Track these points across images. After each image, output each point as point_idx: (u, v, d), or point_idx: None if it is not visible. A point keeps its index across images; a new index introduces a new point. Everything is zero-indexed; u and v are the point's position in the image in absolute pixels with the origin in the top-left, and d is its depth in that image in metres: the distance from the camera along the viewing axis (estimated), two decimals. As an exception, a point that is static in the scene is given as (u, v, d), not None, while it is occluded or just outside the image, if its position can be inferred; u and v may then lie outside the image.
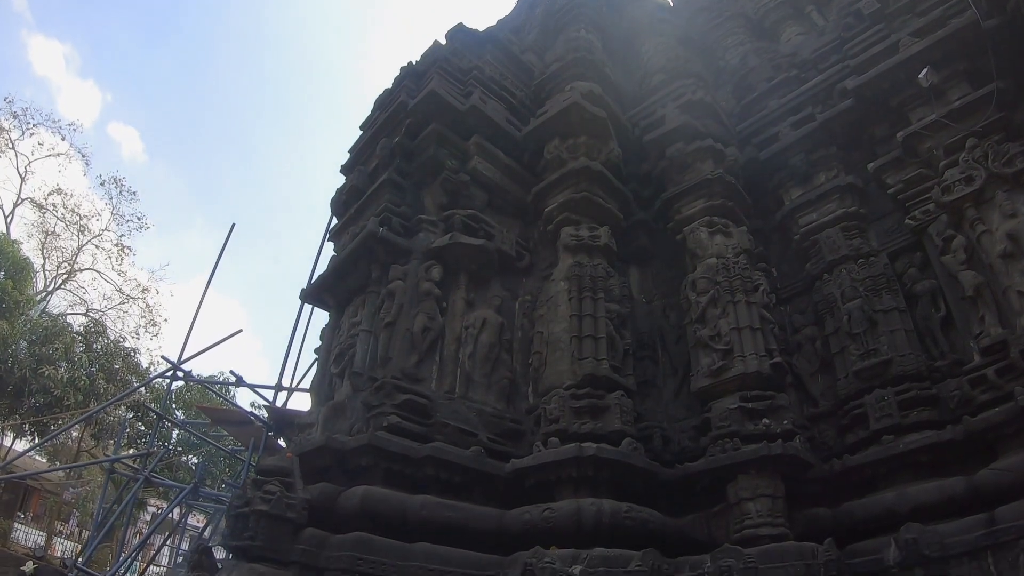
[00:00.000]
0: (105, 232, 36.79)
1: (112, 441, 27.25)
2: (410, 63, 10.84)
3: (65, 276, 35.66)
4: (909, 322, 8.05)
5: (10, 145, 34.47)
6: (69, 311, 34.10)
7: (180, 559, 25.07)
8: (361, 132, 11.16)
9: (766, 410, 7.54)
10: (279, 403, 14.47)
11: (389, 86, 10.97)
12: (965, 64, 8.50)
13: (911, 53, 8.72)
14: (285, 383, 14.34)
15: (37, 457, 29.98)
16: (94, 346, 28.93)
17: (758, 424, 7.41)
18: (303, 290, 10.59)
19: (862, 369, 7.90)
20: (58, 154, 36.72)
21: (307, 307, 12.27)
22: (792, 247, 9.52)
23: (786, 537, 6.54)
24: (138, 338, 34.72)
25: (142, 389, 26.09)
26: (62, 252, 35.59)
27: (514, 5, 14.79)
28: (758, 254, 9.20)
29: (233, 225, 18.18)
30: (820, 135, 9.61)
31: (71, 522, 31.57)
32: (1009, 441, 6.55)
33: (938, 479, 6.81)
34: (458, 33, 11.14)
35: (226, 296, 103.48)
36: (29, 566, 13.96)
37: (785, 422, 7.47)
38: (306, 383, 14.61)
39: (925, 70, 8.49)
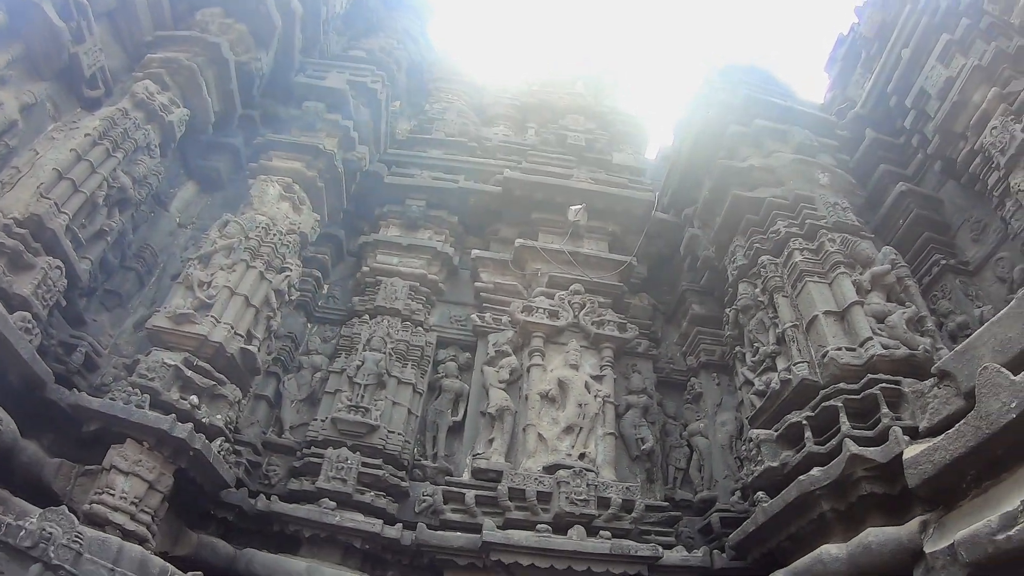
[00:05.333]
0: None
1: None
2: None
3: None
4: (419, 407, 7.35)
5: None
6: None
7: None
8: None
9: (204, 389, 5.75)
10: None
11: None
12: (617, 227, 9.18)
13: (581, 187, 9.22)
14: None
15: None
16: None
17: (186, 397, 5.50)
18: None
19: (343, 421, 6.64)
20: None
21: None
22: (357, 277, 8.56)
23: (144, 540, 5.04)
24: None
25: None
26: None
27: None
28: (312, 257, 8.12)
29: None
30: (452, 201, 9.23)
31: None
32: (457, 570, 6.04)
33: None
34: None
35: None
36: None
37: (219, 416, 5.81)
38: None
39: (580, 206, 8.81)
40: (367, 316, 7.71)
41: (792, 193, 7.48)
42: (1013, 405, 3.40)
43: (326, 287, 8.30)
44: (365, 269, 8.34)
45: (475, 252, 8.75)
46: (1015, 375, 3.47)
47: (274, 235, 6.93)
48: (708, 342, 8.41)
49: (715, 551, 6.29)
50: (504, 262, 8.67)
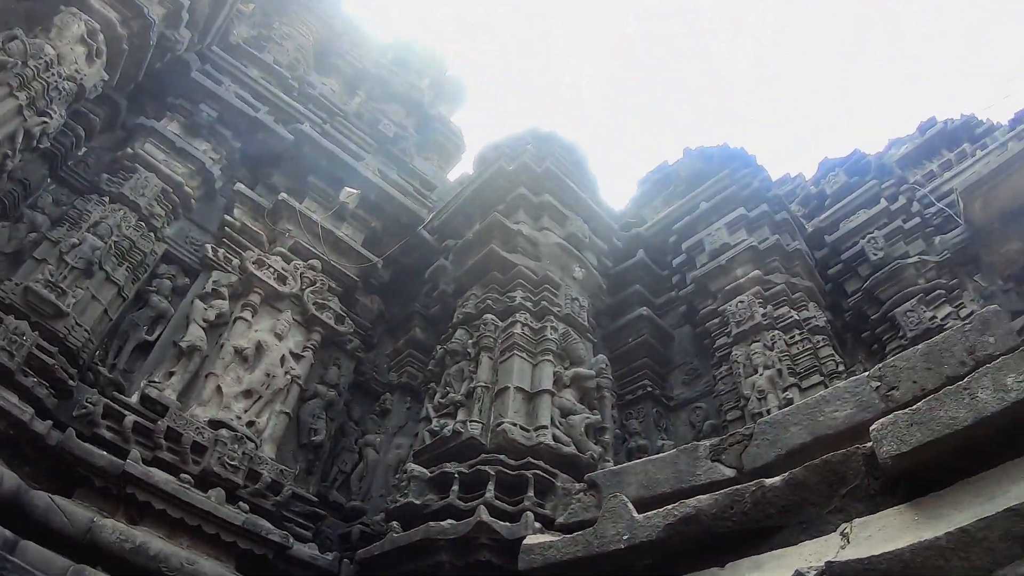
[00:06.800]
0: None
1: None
2: None
3: None
4: (117, 312, 7.28)
5: None
6: None
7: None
8: None
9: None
10: None
11: None
12: (380, 226, 9.83)
13: (365, 174, 9.64)
14: None
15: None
16: None
17: None
18: None
19: (35, 295, 6.44)
20: None
21: None
22: (117, 155, 8.21)
23: None
24: None
25: None
26: None
27: None
28: (83, 114, 7.65)
29: None
30: (243, 126, 9.28)
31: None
32: (90, 490, 5.94)
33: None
34: None
35: None
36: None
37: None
38: None
39: (355, 191, 9.37)
40: (107, 199, 7.47)
41: (543, 272, 8.42)
42: (625, 537, 4.08)
43: (84, 150, 7.86)
44: (129, 151, 8.05)
45: (239, 186, 8.83)
46: (644, 512, 4.14)
47: (53, 74, 6.55)
48: (414, 367, 9.25)
49: (345, 560, 6.87)
50: (262, 208, 8.85)
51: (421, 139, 11.20)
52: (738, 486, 3.82)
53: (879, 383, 3.81)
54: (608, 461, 6.99)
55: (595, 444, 7.05)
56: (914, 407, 3.21)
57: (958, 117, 11.81)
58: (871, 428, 3.33)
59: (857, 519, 3.30)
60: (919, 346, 3.85)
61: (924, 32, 51.51)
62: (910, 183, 10.58)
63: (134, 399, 6.73)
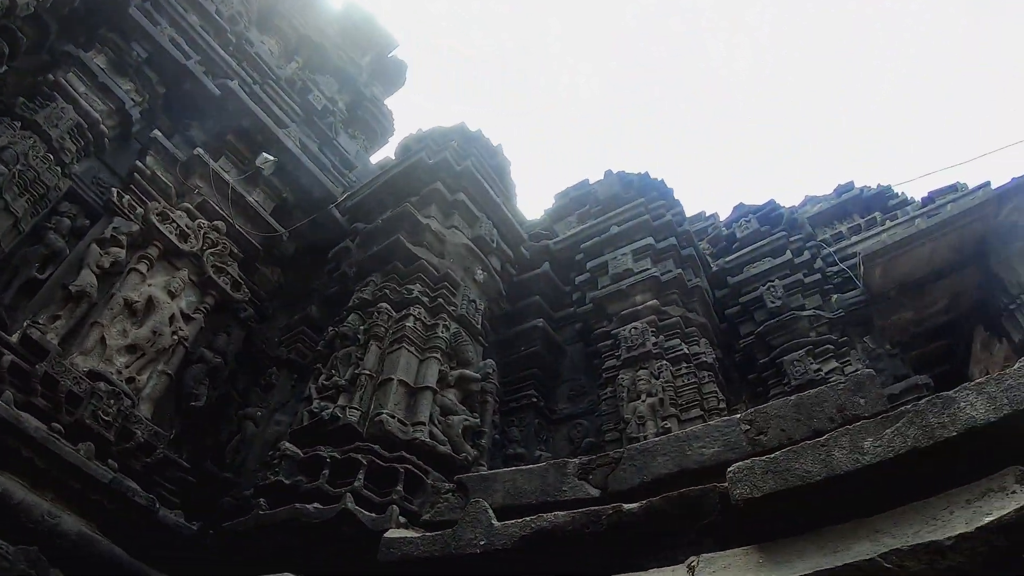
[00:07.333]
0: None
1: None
2: None
3: None
4: (10, 245, 7.05)
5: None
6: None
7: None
8: None
9: None
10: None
11: None
12: (292, 198, 9.89)
13: (285, 143, 9.47)
14: None
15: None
16: None
17: None
18: None
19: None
20: None
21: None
22: (38, 80, 7.94)
23: None
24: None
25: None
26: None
27: None
28: (11, 30, 7.31)
29: None
30: (171, 72, 9.02)
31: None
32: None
33: None
34: None
35: None
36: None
37: None
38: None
39: (272, 159, 9.41)
40: (18, 125, 7.26)
41: (445, 270, 8.58)
42: (482, 543, 4.15)
43: (4, 68, 7.51)
44: (50, 78, 7.82)
45: (156, 133, 8.70)
46: (506, 520, 4.20)
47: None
48: (305, 345, 9.29)
49: (211, 531, 6.81)
50: (175, 160, 8.75)
51: (350, 116, 11.22)
52: (598, 507, 3.91)
53: (749, 427, 4.04)
54: (483, 465, 7.21)
55: (471, 447, 7.28)
56: (773, 455, 3.42)
57: (875, 186, 12.57)
58: (728, 469, 3.51)
59: (705, 554, 3.47)
60: (792, 397, 4.11)
61: (864, 99, 54.51)
62: (817, 240, 11.25)
63: (14, 338, 6.53)
